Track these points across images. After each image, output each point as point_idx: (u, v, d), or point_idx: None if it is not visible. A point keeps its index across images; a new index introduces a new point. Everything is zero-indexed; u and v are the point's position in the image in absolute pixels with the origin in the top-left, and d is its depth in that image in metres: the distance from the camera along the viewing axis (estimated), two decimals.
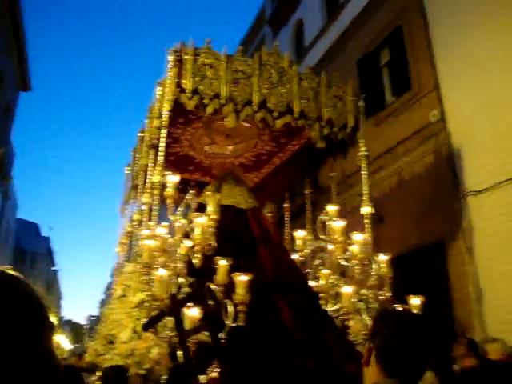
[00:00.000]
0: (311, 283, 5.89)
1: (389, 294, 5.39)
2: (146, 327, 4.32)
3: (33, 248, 31.53)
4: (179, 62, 5.49)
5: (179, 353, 3.83)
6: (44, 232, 38.48)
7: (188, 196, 5.06)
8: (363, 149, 6.22)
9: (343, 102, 6.25)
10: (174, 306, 4.08)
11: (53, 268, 44.40)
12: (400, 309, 1.68)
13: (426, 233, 8.02)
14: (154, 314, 4.37)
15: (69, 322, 55.43)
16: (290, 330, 4.80)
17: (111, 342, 5.13)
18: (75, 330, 53.34)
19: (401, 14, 9.57)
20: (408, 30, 9.33)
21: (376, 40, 10.21)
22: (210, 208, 4.62)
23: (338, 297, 5.42)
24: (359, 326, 5.00)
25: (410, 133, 8.71)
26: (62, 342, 39.67)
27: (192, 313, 3.77)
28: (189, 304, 3.88)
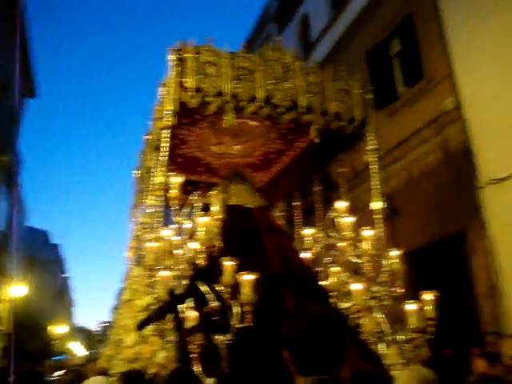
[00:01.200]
0: (322, 282, 5.76)
1: (401, 290, 5.25)
2: (140, 326, 4.18)
3: (43, 255, 31.67)
4: (181, 61, 5.39)
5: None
6: (54, 239, 38.72)
7: (192, 197, 4.95)
8: (372, 142, 6.08)
9: (350, 96, 6.12)
10: (172, 303, 3.96)
11: (63, 275, 44.57)
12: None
13: (445, 225, 7.84)
14: (149, 314, 4.23)
15: (81, 328, 55.70)
16: None
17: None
18: (89, 337, 53.62)
19: (410, 1, 9.39)
20: (419, 18, 9.15)
21: (385, 30, 10.06)
22: (214, 208, 4.51)
23: (349, 295, 5.29)
24: (372, 324, 4.85)
25: (424, 123, 8.53)
26: (77, 348, 39.90)
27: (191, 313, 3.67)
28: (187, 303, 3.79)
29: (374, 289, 5.22)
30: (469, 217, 7.44)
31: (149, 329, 4.10)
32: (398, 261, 5.36)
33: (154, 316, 4.15)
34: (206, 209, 4.84)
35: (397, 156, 9.00)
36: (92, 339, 52.09)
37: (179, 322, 3.81)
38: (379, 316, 4.99)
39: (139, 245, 6.84)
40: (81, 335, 49.30)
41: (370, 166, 6.09)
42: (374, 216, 5.77)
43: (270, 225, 6.00)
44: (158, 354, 3.80)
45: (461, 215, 7.59)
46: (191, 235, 4.47)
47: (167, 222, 5.42)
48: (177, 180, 4.75)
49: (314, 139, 5.85)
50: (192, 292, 4.01)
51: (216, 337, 3.62)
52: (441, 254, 7.99)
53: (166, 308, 4.04)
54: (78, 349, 41.21)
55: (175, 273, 4.22)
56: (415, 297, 4.83)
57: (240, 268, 4.00)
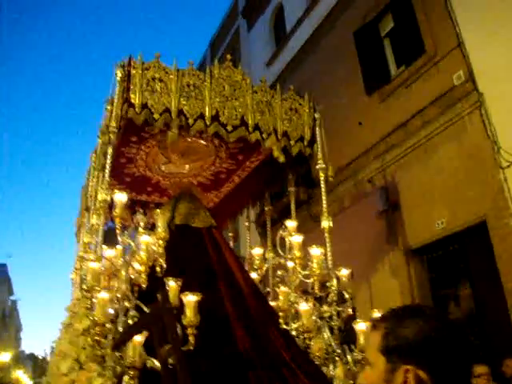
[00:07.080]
0: (271, 303, 5.65)
1: (350, 311, 5.19)
2: (116, 347, 3.89)
3: None
4: (128, 77, 5.30)
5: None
6: (1, 259, 37.46)
7: (137, 215, 4.79)
8: (321, 161, 6.07)
9: (299, 115, 6.13)
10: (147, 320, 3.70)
11: (11, 297, 42.93)
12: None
13: (461, 213, 6.94)
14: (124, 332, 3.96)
15: (30, 355, 53.30)
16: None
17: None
18: (37, 364, 51.22)
19: None
20: None
21: (374, 9, 9.27)
22: (159, 227, 4.35)
23: (298, 316, 5.19)
24: (320, 344, 4.77)
25: (427, 102, 7.70)
26: (22, 377, 38.04)
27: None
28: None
29: (323, 309, 5.15)
30: (491, 201, 6.56)
31: (86, 354, 3.88)
32: (346, 279, 5.30)
33: (130, 332, 3.86)
34: (152, 228, 4.69)
35: (394, 142, 8.27)
36: (40, 367, 49.75)
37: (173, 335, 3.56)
38: (328, 336, 4.92)
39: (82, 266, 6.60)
40: (29, 363, 47.13)
41: (321, 186, 6.03)
42: (325, 235, 5.70)
43: (218, 247, 5.85)
44: (94, 381, 3.59)
45: (481, 200, 6.66)
46: (133, 255, 4.29)
47: (114, 242, 5.22)
48: (120, 197, 4.58)
49: (277, 159, 5.83)
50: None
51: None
52: (459, 246, 7.24)
53: (141, 324, 3.80)
54: (23, 377, 39.40)
55: (116, 294, 4.03)
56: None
57: (184, 289, 3.85)
